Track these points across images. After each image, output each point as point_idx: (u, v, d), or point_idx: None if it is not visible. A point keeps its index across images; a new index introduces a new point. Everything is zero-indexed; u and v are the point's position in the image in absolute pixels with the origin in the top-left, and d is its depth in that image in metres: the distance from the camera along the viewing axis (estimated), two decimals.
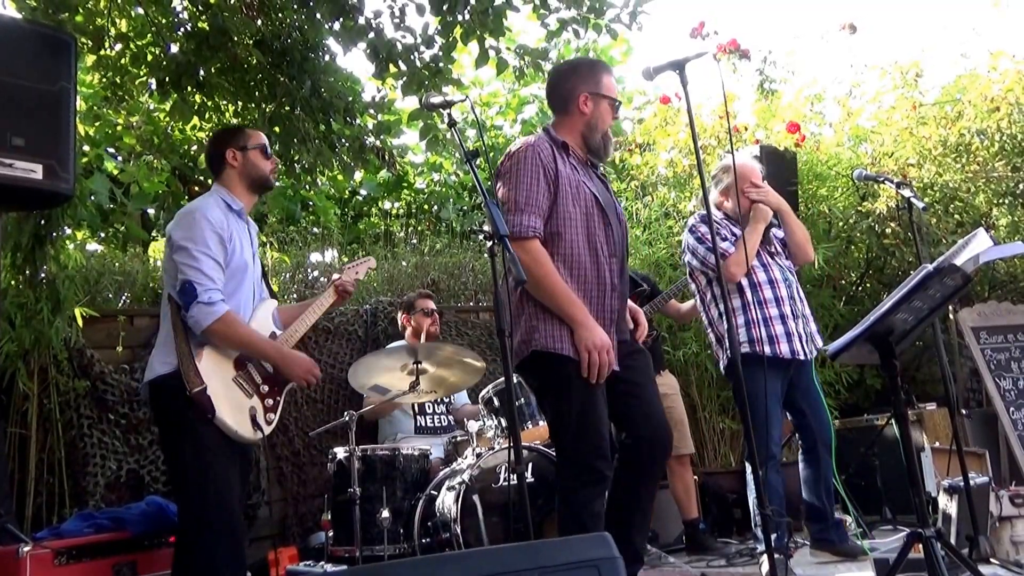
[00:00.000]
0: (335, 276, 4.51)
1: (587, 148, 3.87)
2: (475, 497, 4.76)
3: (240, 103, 6.33)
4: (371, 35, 5.77)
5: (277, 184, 8.02)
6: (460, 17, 5.69)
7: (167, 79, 5.96)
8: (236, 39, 5.72)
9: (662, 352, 6.58)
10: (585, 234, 3.67)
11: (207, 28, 5.81)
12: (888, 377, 3.76)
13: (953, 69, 8.78)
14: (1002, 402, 6.69)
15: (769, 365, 4.90)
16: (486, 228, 3.40)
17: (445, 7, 5.59)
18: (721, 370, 5.30)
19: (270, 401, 3.99)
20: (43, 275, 5.32)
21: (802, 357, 4.99)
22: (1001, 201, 7.84)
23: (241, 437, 3.81)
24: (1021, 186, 7.58)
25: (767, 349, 4.91)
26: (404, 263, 8.27)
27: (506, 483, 4.84)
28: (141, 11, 6.07)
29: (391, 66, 5.90)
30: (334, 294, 4.41)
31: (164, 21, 6.05)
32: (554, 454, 4.95)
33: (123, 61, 6.16)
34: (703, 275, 5.19)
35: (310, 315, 4.25)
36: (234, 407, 3.81)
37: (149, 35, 6.13)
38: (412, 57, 5.94)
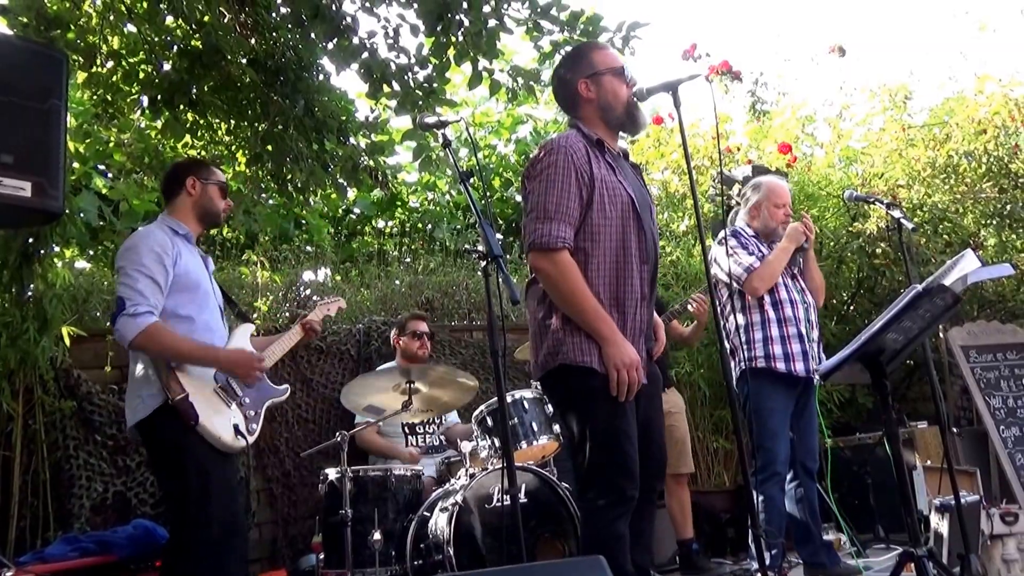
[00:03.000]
0: (306, 315, 4.63)
1: (612, 129, 3.73)
2: (468, 518, 4.74)
3: (233, 121, 6.32)
4: (365, 55, 5.77)
5: (270, 202, 8.05)
6: (454, 38, 5.70)
7: (159, 97, 5.95)
8: (230, 58, 5.71)
9: (669, 369, 6.56)
10: (620, 242, 3.48)
11: (200, 46, 5.81)
12: (879, 397, 3.77)
13: (941, 92, 8.86)
14: (992, 420, 6.70)
15: (781, 382, 4.95)
16: (480, 248, 3.40)
17: (439, 28, 5.59)
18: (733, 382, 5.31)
19: (251, 412, 4.07)
20: (30, 293, 5.27)
21: (816, 378, 5.07)
22: (989, 222, 7.89)
23: (224, 444, 3.87)
24: (1008, 207, 7.63)
25: (781, 366, 4.99)
26: (397, 282, 8.26)
27: (499, 504, 4.81)
28: (133, 29, 6.06)
29: (385, 86, 5.91)
30: (301, 331, 4.51)
31: (157, 39, 6.04)
32: (548, 474, 4.96)
33: (115, 78, 6.14)
34: (727, 287, 5.25)
35: (277, 349, 4.30)
36: (216, 415, 3.86)
37: (141, 53, 6.12)
38: (406, 77, 5.95)
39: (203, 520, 3.71)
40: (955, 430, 7.05)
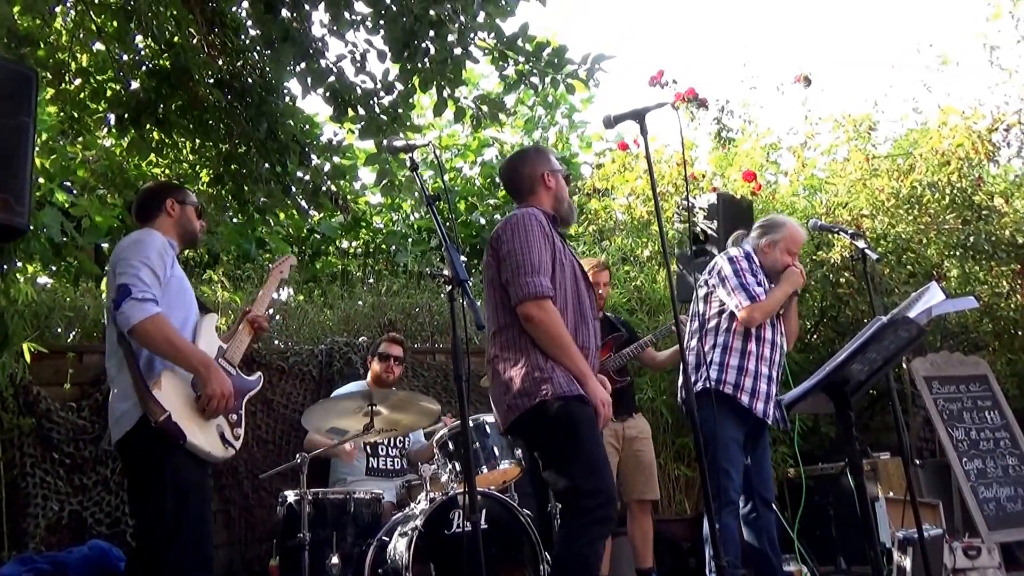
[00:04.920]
0: (248, 310, 4.46)
1: (560, 217, 4.14)
2: (428, 543, 4.69)
3: (198, 141, 6.29)
4: (332, 79, 5.77)
5: (234, 221, 8.01)
6: (420, 65, 5.71)
7: (126, 115, 5.93)
8: (197, 78, 5.70)
9: (634, 395, 6.55)
10: (576, 298, 3.91)
11: (168, 66, 5.79)
12: (843, 428, 3.78)
13: (905, 123, 8.94)
14: (955, 452, 6.73)
15: (737, 413, 4.92)
16: (446, 272, 3.42)
17: (406, 54, 5.60)
18: (679, 400, 5.26)
19: (234, 416, 4.00)
20: None
21: (769, 421, 5.05)
22: (952, 253, 7.95)
23: (213, 457, 3.84)
24: (971, 238, 7.68)
25: (745, 399, 4.96)
26: (360, 303, 8.22)
27: (460, 529, 4.78)
28: (102, 47, 6.04)
29: (350, 110, 5.90)
30: (249, 331, 4.38)
31: (126, 58, 6.02)
32: (510, 500, 4.93)
33: (82, 95, 6.12)
34: (719, 304, 5.17)
35: (236, 352, 4.22)
36: (202, 428, 3.80)
37: (110, 71, 6.10)
38: (371, 102, 5.95)
39: (175, 543, 3.64)
40: (918, 462, 7.08)
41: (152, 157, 6.56)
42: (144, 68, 6.06)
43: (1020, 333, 8.08)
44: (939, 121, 8.03)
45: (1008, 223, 7.71)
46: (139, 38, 5.97)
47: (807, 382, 3.71)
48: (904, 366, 7.22)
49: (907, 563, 4.89)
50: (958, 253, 7.91)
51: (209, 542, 3.85)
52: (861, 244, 4.79)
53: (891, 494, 6.50)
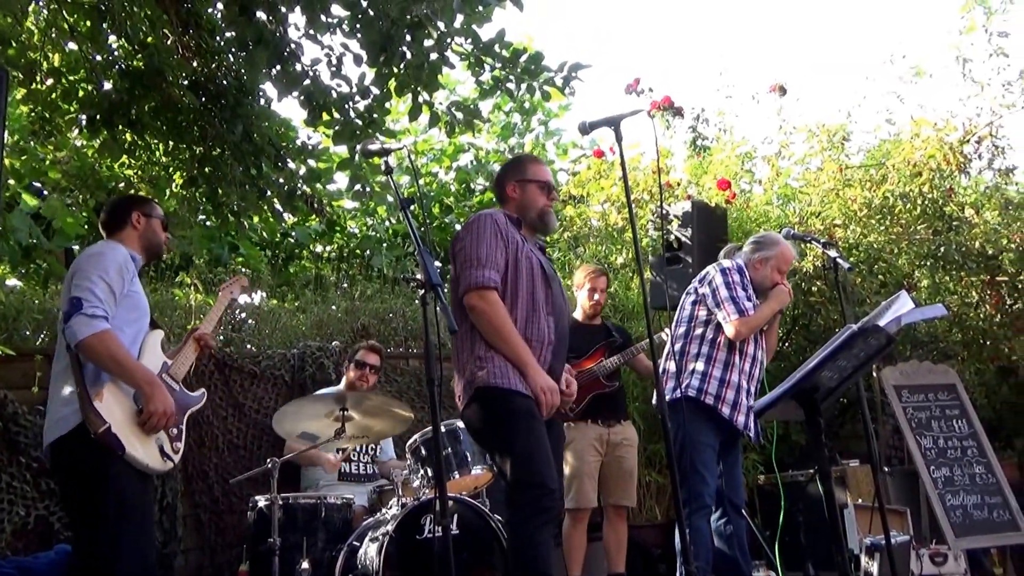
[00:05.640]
0: (197, 328, 4.50)
1: (527, 225, 4.26)
2: (399, 549, 4.68)
3: (171, 143, 6.25)
4: (307, 82, 5.75)
5: (207, 224, 7.96)
6: (396, 69, 5.70)
7: (98, 116, 5.88)
8: (171, 79, 5.66)
9: (624, 402, 6.54)
10: (530, 292, 4.02)
11: (142, 67, 5.75)
12: (812, 435, 3.80)
13: (878, 134, 8.98)
14: (923, 460, 6.75)
15: (715, 421, 4.94)
16: (419, 276, 3.43)
17: (382, 59, 5.59)
18: (654, 403, 5.28)
19: (174, 431, 4.02)
20: None
21: (751, 435, 5.10)
22: (923, 263, 7.99)
23: (152, 469, 3.84)
24: (942, 249, 7.72)
25: (726, 411, 4.99)
26: (334, 307, 8.19)
27: (431, 535, 4.77)
28: (75, 47, 5.99)
29: (324, 114, 5.88)
30: (196, 348, 4.41)
31: (99, 58, 5.97)
32: (481, 505, 4.93)
33: (54, 96, 6.07)
34: (706, 313, 5.19)
35: (181, 368, 4.23)
36: (141, 440, 3.81)
37: (82, 71, 6.04)
38: (346, 106, 5.93)
39: (114, 555, 3.63)
40: (886, 469, 7.12)
41: (124, 159, 6.51)
42: (117, 69, 6.01)
43: (988, 343, 8.12)
44: (912, 132, 8.07)
45: (978, 234, 7.75)
46: (112, 38, 5.92)
47: (777, 389, 3.73)
48: (874, 375, 7.24)
49: (875, 569, 4.93)
50: (929, 263, 7.94)
51: (150, 554, 3.85)
52: (833, 253, 4.83)
53: (860, 501, 6.53)
